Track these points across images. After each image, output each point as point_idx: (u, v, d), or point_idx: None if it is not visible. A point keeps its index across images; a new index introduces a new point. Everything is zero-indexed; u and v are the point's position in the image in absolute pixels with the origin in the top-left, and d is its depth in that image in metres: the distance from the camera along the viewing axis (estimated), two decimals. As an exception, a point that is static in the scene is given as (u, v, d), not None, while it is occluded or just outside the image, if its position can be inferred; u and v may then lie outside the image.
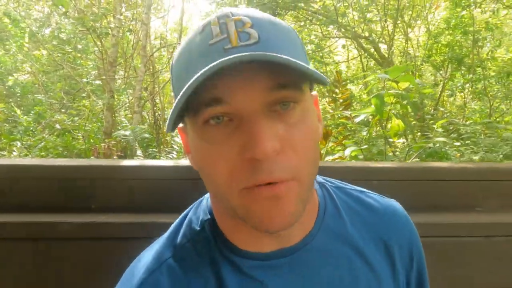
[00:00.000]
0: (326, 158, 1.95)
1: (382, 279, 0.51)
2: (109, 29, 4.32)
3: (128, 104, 5.69)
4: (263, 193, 0.39)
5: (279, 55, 0.36)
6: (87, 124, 4.91)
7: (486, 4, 5.69)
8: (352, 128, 1.84)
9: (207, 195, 0.54)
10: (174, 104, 0.38)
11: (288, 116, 0.40)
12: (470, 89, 6.67)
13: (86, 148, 4.33)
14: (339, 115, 2.00)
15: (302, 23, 6.73)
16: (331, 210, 0.53)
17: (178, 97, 0.37)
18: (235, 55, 0.35)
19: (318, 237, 0.50)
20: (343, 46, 6.75)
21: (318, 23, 6.02)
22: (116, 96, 5.41)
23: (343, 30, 6.13)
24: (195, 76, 0.35)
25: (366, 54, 6.65)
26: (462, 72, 6.45)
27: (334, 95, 2.01)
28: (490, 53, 6.45)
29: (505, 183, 0.97)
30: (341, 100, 1.93)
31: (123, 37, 5.36)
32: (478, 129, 4.33)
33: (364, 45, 6.19)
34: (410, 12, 6.03)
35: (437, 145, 1.98)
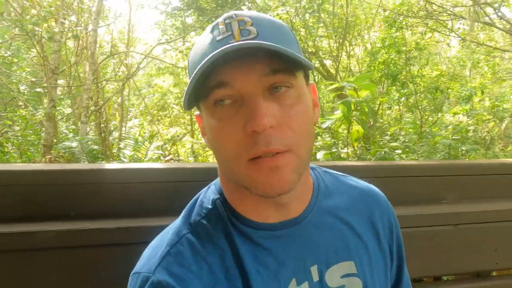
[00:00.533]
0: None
1: (370, 248, 0.60)
2: (51, 34, 4.03)
3: (71, 114, 5.31)
4: (264, 164, 0.46)
5: (270, 43, 0.44)
6: (21, 137, 4.47)
7: (415, 27, 6.36)
8: (319, 134, 1.93)
9: (215, 181, 0.61)
10: (188, 85, 0.47)
11: (283, 98, 0.48)
12: (404, 102, 7.33)
13: (23, 162, 3.93)
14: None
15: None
16: (323, 190, 0.61)
17: (190, 79, 0.46)
18: (234, 44, 0.44)
19: (313, 212, 0.58)
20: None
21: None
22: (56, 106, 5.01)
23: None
24: (203, 61, 0.45)
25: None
26: (397, 87, 7.10)
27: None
28: (419, 70, 7.19)
29: (463, 177, 1.10)
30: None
31: (65, 43, 5.02)
32: (414, 138, 4.79)
33: (311, 60, 6.52)
34: (352, 31, 6.51)
35: (386, 150, 2.17)
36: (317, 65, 6.87)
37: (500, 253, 1.02)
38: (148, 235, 0.86)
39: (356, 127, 1.90)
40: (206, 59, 0.44)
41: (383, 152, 2.08)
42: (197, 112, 0.57)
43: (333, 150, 1.68)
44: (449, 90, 6.80)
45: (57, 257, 0.81)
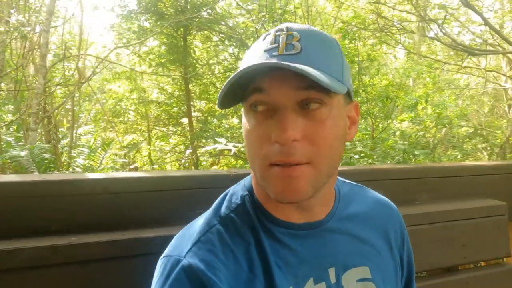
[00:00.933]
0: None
1: (383, 256, 0.64)
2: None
3: (14, 120, 4.88)
4: (281, 172, 0.50)
5: (296, 65, 0.46)
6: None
7: (367, 39, 6.76)
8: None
9: (245, 177, 0.66)
10: (225, 83, 0.50)
11: (313, 114, 0.51)
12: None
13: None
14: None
15: (211, 43, 6.88)
16: (343, 198, 0.65)
17: (228, 79, 0.50)
18: (267, 61, 0.49)
19: (334, 218, 0.61)
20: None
21: (229, 44, 6.26)
22: (-2, 112, 4.58)
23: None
24: (243, 67, 0.49)
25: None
26: (351, 95, 7.45)
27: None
28: (370, 80, 7.65)
29: (435, 179, 1.19)
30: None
31: (10, 43, 4.62)
32: (369, 143, 5.07)
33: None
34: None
35: (351, 155, 2.28)
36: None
37: (467, 248, 1.12)
38: (140, 247, 0.83)
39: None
40: (248, 66, 0.48)
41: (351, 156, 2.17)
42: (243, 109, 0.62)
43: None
44: (397, 98, 7.31)
45: (39, 277, 0.74)
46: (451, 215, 1.11)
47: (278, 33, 0.52)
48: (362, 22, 5.51)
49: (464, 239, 1.12)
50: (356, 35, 6.46)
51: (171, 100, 7.61)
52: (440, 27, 4.27)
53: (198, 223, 0.59)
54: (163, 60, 6.79)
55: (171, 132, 8.35)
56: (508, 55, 5.23)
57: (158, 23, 6.08)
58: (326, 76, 0.48)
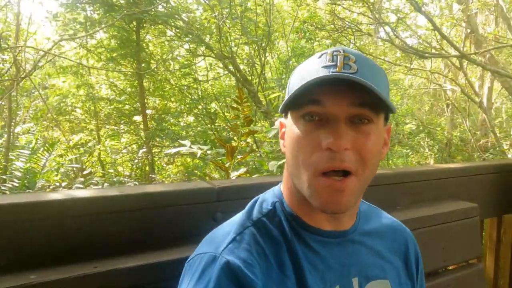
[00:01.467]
0: (232, 175, 1.95)
1: (401, 274, 0.68)
2: None
3: None
4: (333, 184, 0.54)
5: (360, 78, 0.51)
6: None
7: (323, 39, 6.91)
8: (254, 146, 1.89)
9: (275, 186, 0.68)
10: (288, 96, 0.56)
11: (362, 129, 0.55)
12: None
13: None
14: (242, 131, 2.04)
15: (165, 37, 6.58)
16: (363, 214, 0.69)
17: (292, 92, 0.55)
18: (335, 73, 0.53)
19: (357, 231, 0.65)
20: (210, 64, 6.95)
21: (185, 40, 6.03)
22: None
23: (204, 49, 6.32)
24: (306, 80, 0.53)
25: (229, 73, 7.03)
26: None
27: (236, 112, 2.04)
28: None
29: (414, 183, 1.19)
30: (243, 116, 1.97)
31: None
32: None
33: (228, 66, 6.53)
34: (269, 40, 6.74)
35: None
36: (232, 70, 6.91)
37: (446, 251, 1.14)
38: (121, 281, 0.69)
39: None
40: (310, 79, 0.52)
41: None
42: (282, 119, 0.65)
43: (283, 161, 1.67)
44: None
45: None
46: (431, 220, 1.12)
47: (336, 53, 0.56)
48: (319, 22, 5.61)
49: (443, 243, 1.14)
50: (312, 35, 6.59)
51: (123, 97, 7.18)
52: (394, 31, 4.47)
53: (229, 225, 0.61)
54: (114, 55, 6.36)
55: (123, 131, 7.90)
56: (451, 58, 5.64)
57: (108, 14, 5.67)
58: (382, 94, 0.52)
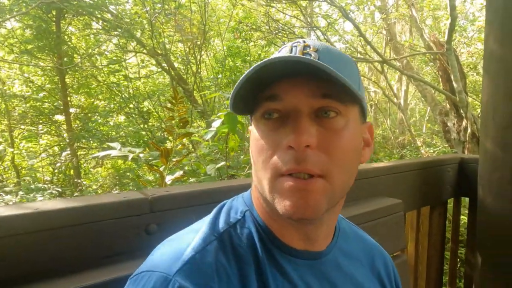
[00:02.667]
0: (167, 178, 1.86)
1: None
2: None
3: None
4: (295, 184, 0.46)
5: (320, 62, 0.43)
6: None
7: (257, 40, 7.02)
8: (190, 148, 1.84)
9: (243, 193, 0.60)
10: (239, 80, 0.46)
11: (329, 123, 0.48)
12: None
13: None
14: (177, 133, 1.96)
15: (89, 30, 6.09)
16: (342, 233, 0.62)
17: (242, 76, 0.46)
18: (280, 57, 0.44)
19: (333, 252, 0.58)
20: (142, 61, 6.60)
21: (114, 34, 5.64)
22: None
23: (135, 45, 6.00)
24: (254, 66, 0.45)
25: (163, 71, 6.76)
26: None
27: (171, 113, 1.95)
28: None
29: (366, 180, 1.25)
30: (178, 118, 1.89)
31: None
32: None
33: (161, 63, 6.28)
34: (204, 38, 6.63)
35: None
36: (166, 67, 6.66)
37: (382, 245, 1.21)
38: None
39: (233, 137, 1.91)
40: (258, 63, 0.44)
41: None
42: (251, 126, 0.56)
43: (222, 163, 1.64)
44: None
45: None
46: (363, 218, 1.18)
47: (295, 44, 0.50)
48: (254, 23, 5.67)
49: (379, 238, 1.20)
50: (248, 35, 6.66)
51: (41, 94, 6.46)
52: (324, 35, 4.70)
53: (189, 236, 0.51)
54: (29, 47, 5.69)
55: (42, 132, 7.13)
56: (374, 63, 6.13)
57: (21, 0, 5.05)
58: (345, 80, 0.45)
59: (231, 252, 0.50)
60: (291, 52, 0.49)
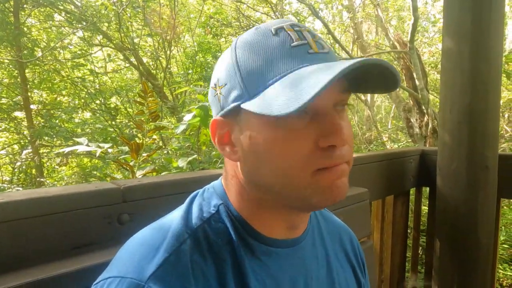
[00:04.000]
0: (138, 173, 1.83)
1: (347, 277, 0.64)
2: None
3: None
4: (334, 172, 0.46)
5: (387, 62, 0.43)
6: None
7: (228, 36, 7.00)
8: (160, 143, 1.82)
9: (211, 185, 0.57)
10: (300, 103, 0.39)
11: (343, 115, 0.49)
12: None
13: None
14: (148, 128, 1.93)
15: (52, 23, 5.80)
16: (313, 215, 0.62)
17: (307, 95, 0.39)
18: (358, 60, 0.40)
19: (308, 236, 0.58)
20: (108, 55, 6.38)
21: (78, 26, 5.42)
22: None
23: (101, 38, 5.80)
24: (334, 74, 0.39)
25: (131, 66, 6.58)
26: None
27: (141, 107, 1.92)
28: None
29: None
30: (148, 112, 1.86)
31: None
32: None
33: (129, 58, 6.11)
34: (173, 33, 6.51)
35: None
36: (134, 62, 6.49)
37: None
38: None
39: (204, 131, 1.91)
40: (337, 72, 0.39)
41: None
42: (219, 117, 0.51)
43: (193, 156, 1.63)
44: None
45: None
46: (332, 205, 1.23)
47: (297, 28, 0.47)
48: (225, 19, 5.65)
49: (349, 225, 1.26)
50: (219, 31, 6.61)
51: (-1, 89, 6.09)
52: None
53: (159, 234, 0.48)
54: (-16, 38, 5.33)
55: (0, 129, 6.72)
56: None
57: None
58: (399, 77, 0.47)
59: (207, 249, 0.48)
60: (301, 39, 0.46)
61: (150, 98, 1.92)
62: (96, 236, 0.74)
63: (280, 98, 0.41)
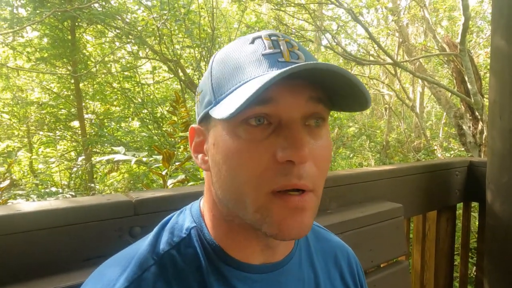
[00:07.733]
0: (169, 182, 1.87)
1: None
2: None
3: None
4: (292, 201, 0.41)
5: (336, 67, 0.39)
6: None
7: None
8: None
9: (189, 205, 0.54)
10: (246, 97, 0.37)
11: (317, 133, 0.44)
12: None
13: None
14: (179, 137, 1.97)
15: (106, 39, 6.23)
16: (310, 235, 0.58)
17: (248, 94, 0.37)
18: (299, 64, 0.37)
19: (294, 259, 0.53)
20: (154, 68, 6.71)
21: (126, 41, 5.76)
22: None
23: (149, 51, 6.11)
24: (269, 78, 0.36)
25: (175, 77, 6.85)
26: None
27: (174, 117, 1.96)
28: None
29: (343, 187, 1.21)
30: (181, 121, 1.91)
31: None
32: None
33: (173, 68, 6.36)
34: (214, 44, 6.70)
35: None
36: (182, 74, 6.75)
37: (374, 252, 1.17)
38: None
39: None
40: (272, 76, 0.36)
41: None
42: (195, 125, 0.50)
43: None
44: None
45: None
46: (359, 222, 1.15)
47: (274, 38, 0.44)
48: (265, 27, 5.69)
49: (371, 244, 1.17)
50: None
51: (58, 101, 6.65)
52: (335, 38, 4.67)
53: (125, 260, 0.46)
54: (45, 55, 5.87)
55: (59, 137, 7.32)
56: (387, 65, 6.04)
57: (38, 11, 5.23)
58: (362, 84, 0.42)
59: (174, 277, 0.45)
60: (275, 47, 0.43)
61: (182, 109, 1.96)
62: (107, 248, 0.75)
63: (232, 102, 0.39)
